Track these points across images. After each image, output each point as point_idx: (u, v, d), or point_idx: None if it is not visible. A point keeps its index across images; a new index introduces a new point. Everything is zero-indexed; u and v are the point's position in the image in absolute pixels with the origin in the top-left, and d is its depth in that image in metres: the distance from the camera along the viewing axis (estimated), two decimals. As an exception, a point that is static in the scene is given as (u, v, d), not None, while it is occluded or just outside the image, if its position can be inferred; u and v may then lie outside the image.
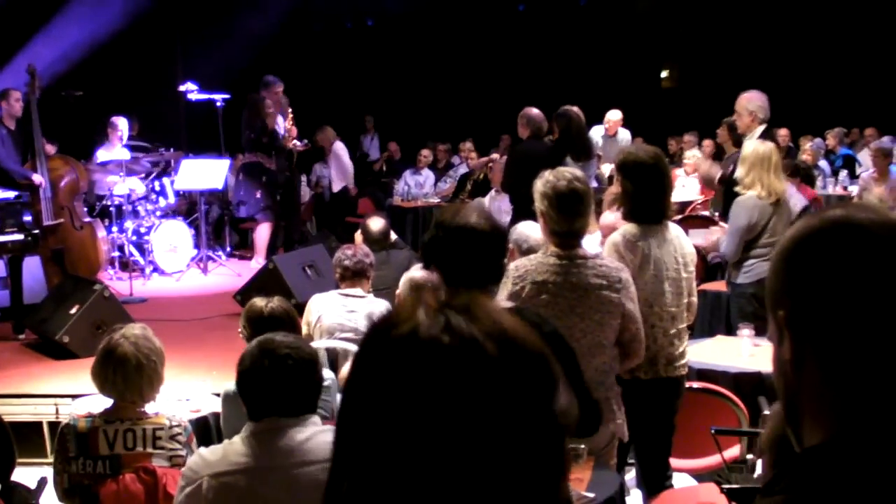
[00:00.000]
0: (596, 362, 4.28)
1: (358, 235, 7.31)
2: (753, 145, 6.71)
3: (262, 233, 11.91)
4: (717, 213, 8.87)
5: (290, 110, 12.01)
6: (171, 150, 12.69)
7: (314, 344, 4.94)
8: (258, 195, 11.81)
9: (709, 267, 8.47)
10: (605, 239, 5.34)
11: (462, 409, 1.05)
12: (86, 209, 10.84)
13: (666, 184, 4.91)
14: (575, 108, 9.85)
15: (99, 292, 8.10)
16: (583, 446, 4.04)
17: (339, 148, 13.92)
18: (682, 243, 4.91)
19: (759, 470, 5.04)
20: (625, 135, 12.27)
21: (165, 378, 4.11)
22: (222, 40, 15.96)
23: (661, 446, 4.89)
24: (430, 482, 1.05)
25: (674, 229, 4.95)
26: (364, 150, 17.88)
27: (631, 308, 4.32)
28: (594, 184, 9.56)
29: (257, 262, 11.35)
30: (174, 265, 11.57)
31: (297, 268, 9.24)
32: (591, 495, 3.80)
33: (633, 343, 4.39)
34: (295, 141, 11.98)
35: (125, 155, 11.80)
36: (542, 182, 4.30)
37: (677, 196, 10.75)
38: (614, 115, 12.25)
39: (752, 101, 7.92)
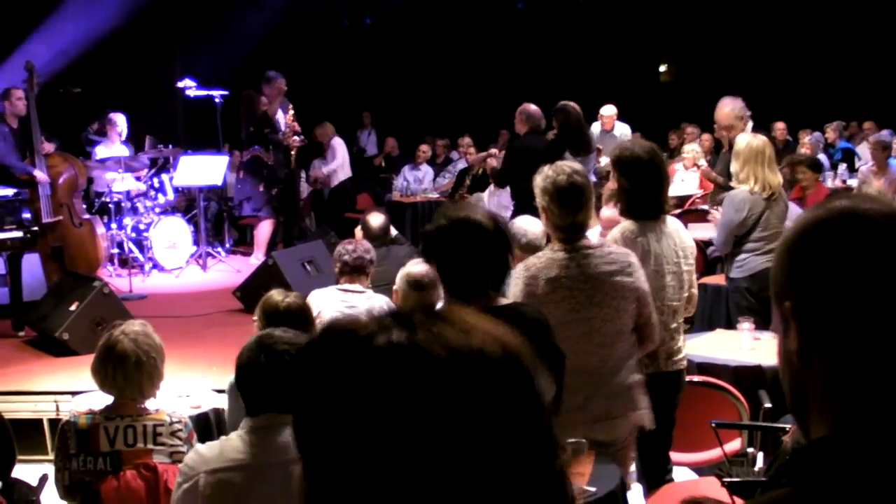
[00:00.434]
0: (618, 350, 4.29)
1: (358, 231, 7.30)
2: (747, 140, 6.71)
3: (264, 229, 11.90)
4: (716, 208, 8.86)
5: (290, 106, 12.00)
6: (170, 146, 12.69)
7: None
8: (261, 191, 11.80)
9: (709, 260, 8.47)
10: (605, 232, 5.34)
11: (425, 414, 1.02)
12: (84, 206, 10.83)
13: (662, 178, 4.90)
14: (572, 104, 9.84)
15: (98, 289, 8.09)
16: (584, 441, 4.04)
17: (339, 143, 13.91)
18: (681, 237, 4.91)
19: (759, 463, 5.04)
20: (623, 129, 12.24)
21: (165, 374, 4.10)
22: (220, 37, 15.96)
23: (662, 440, 4.88)
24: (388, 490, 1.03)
25: (672, 223, 4.95)
26: (361, 145, 17.87)
27: (645, 290, 4.34)
28: (593, 178, 9.55)
29: (257, 258, 11.36)
30: (173, 262, 11.56)
31: (297, 263, 9.24)
32: (592, 489, 3.79)
33: (647, 327, 4.40)
34: (295, 136, 11.97)
35: (124, 151, 11.80)
36: (542, 177, 4.30)
37: (676, 190, 10.75)
38: (608, 111, 12.21)
39: (734, 109, 8.01)
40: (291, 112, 11.97)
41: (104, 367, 3.95)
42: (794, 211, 6.92)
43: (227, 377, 4.55)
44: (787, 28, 18.57)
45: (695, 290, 5.03)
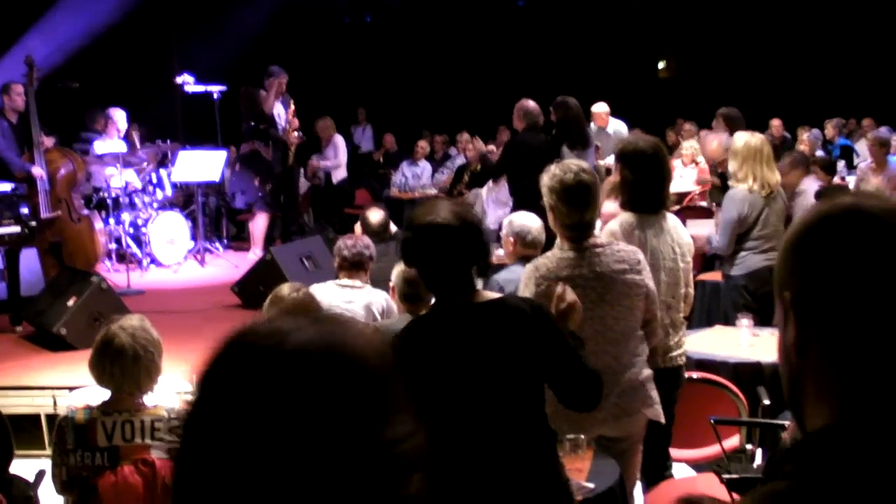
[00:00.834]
0: (630, 347, 4.31)
1: (358, 227, 7.29)
2: (744, 138, 6.70)
3: (259, 224, 11.90)
4: (714, 205, 8.86)
5: (292, 102, 12.00)
6: (168, 141, 12.67)
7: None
8: (256, 185, 11.80)
9: (707, 257, 8.47)
10: (605, 226, 5.34)
11: (283, 416, 1.00)
12: (82, 201, 10.81)
13: (665, 174, 4.92)
14: (572, 98, 9.84)
15: (96, 284, 8.08)
16: (582, 436, 4.04)
17: (341, 141, 13.90)
18: (679, 233, 4.91)
19: (758, 460, 5.05)
20: (618, 125, 12.16)
21: (163, 370, 4.09)
22: (218, 32, 15.94)
23: (661, 436, 4.88)
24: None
25: (671, 219, 4.95)
26: (355, 141, 17.86)
27: (652, 287, 4.36)
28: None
29: (255, 254, 11.36)
30: (171, 257, 11.55)
31: (295, 259, 9.24)
32: (591, 485, 3.79)
33: (652, 323, 4.43)
34: (294, 133, 11.97)
35: (122, 147, 11.79)
36: (549, 176, 4.29)
37: (674, 187, 10.72)
38: (600, 108, 12.12)
39: (721, 142, 8.29)
40: (293, 108, 11.97)
41: (101, 362, 3.93)
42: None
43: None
44: (787, 25, 18.57)
45: (691, 289, 5.02)
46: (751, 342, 5.76)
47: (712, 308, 7.12)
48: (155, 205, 11.79)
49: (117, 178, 11.28)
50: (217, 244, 12.40)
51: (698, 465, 5.38)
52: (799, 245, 1.41)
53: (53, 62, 12.83)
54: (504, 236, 5.75)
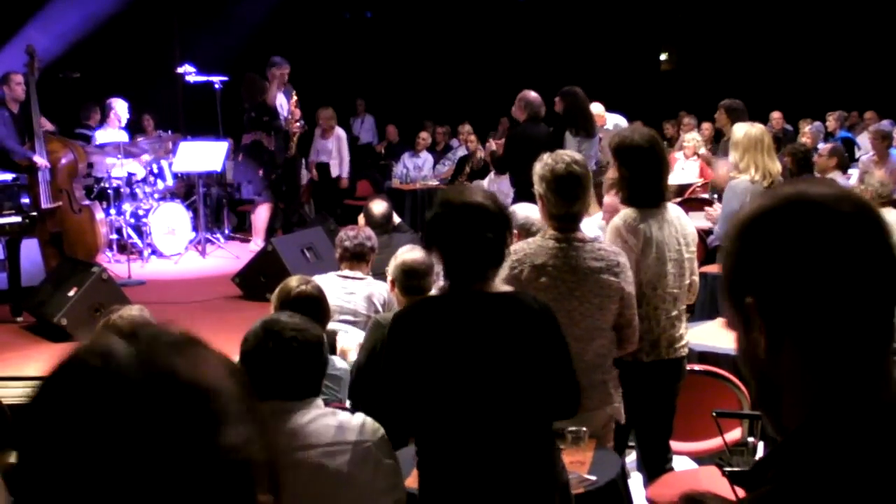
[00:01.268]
0: (595, 346, 4.28)
1: (361, 218, 7.27)
2: (745, 129, 6.69)
3: (261, 214, 11.89)
4: (716, 196, 8.84)
5: (294, 92, 11.98)
6: (170, 132, 12.65)
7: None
8: (259, 175, 11.79)
9: (709, 249, 8.46)
10: (608, 217, 5.32)
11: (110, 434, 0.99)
12: (83, 191, 10.81)
13: (663, 166, 4.88)
14: (579, 89, 9.83)
15: (97, 275, 8.08)
16: (584, 429, 4.04)
17: (342, 133, 13.88)
18: (682, 224, 4.89)
19: (760, 453, 5.03)
20: (617, 119, 12.05)
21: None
22: (220, 22, 15.91)
23: (662, 429, 4.88)
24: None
25: (674, 210, 4.93)
26: (354, 132, 17.83)
27: (629, 292, 4.32)
28: (594, 166, 9.54)
29: (256, 245, 11.35)
30: (172, 248, 11.54)
31: (296, 250, 9.23)
32: (593, 478, 3.79)
33: (627, 329, 4.39)
34: (297, 123, 11.96)
35: (123, 137, 11.77)
36: (541, 165, 4.29)
37: (676, 179, 10.71)
38: (596, 109, 11.97)
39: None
40: (295, 98, 11.95)
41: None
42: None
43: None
44: (789, 18, 18.54)
45: (696, 278, 5.01)
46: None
47: (715, 300, 7.10)
48: (156, 195, 11.78)
49: (118, 168, 11.27)
50: (218, 235, 12.39)
51: (700, 458, 5.38)
52: (750, 244, 1.37)
53: (55, 52, 12.81)
54: (507, 228, 5.73)
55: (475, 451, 3.26)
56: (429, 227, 3.42)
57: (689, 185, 11.36)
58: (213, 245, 12.01)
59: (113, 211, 11.26)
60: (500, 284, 3.45)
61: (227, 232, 12.80)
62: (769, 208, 1.36)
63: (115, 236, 11.33)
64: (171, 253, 11.51)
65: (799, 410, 1.33)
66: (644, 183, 4.78)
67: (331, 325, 5.59)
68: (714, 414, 4.44)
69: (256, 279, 9.09)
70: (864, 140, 14.18)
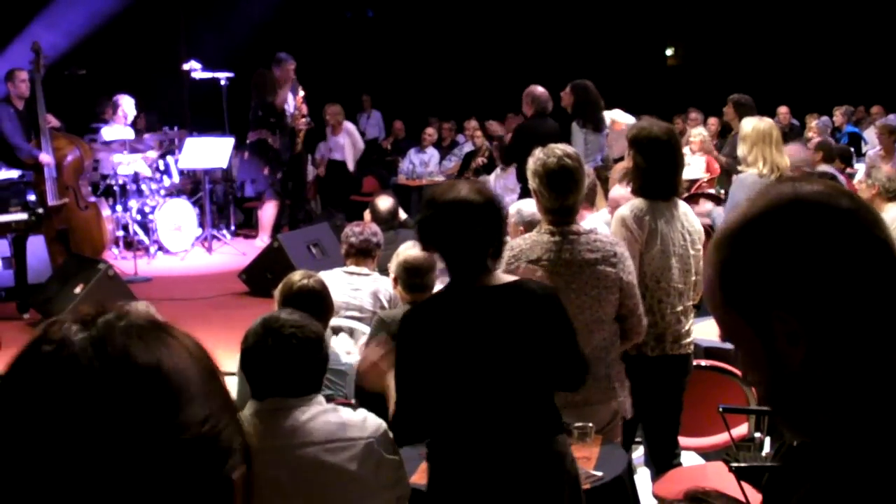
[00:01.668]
0: (596, 339, 4.25)
1: (367, 214, 7.26)
2: (753, 123, 6.68)
3: (268, 211, 11.89)
4: (723, 192, 8.83)
5: (301, 88, 11.97)
6: (176, 128, 12.66)
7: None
8: (265, 173, 11.79)
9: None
10: (613, 210, 5.31)
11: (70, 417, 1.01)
12: (90, 188, 10.82)
13: (678, 160, 4.88)
14: (590, 83, 9.81)
15: (103, 271, 8.09)
16: (591, 425, 4.03)
17: (352, 128, 13.86)
18: (690, 220, 4.88)
19: (766, 448, 5.03)
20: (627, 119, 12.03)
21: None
22: (226, 19, 15.91)
23: (669, 424, 4.87)
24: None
25: (682, 206, 4.92)
26: (361, 128, 17.81)
27: (629, 282, 4.29)
28: (599, 162, 9.52)
29: (262, 241, 11.36)
30: (179, 244, 11.55)
31: (302, 246, 9.23)
32: (599, 473, 3.79)
33: (630, 318, 4.36)
34: (303, 119, 11.95)
35: (130, 134, 11.78)
36: (534, 160, 4.30)
37: (683, 174, 10.68)
38: (620, 117, 11.91)
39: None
40: (301, 94, 11.94)
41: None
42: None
43: (231, 360, 4.52)
44: (795, 12, 18.50)
45: (701, 277, 4.99)
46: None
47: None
48: (162, 192, 11.79)
49: (125, 166, 11.27)
50: (224, 231, 12.40)
51: (707, 454, 5.36)
52: (762, 254, 1.33)
53: (60, 49, 12.82)
54: (513, 224, 5.71)
55: (488, 445, 3.26)
56: (419, 230, 3.42)
57: (695, 181, 11.34)
58: (219, 242, 12.02)
59: (119, 207, 11.27)
60: (503, 275, 3.45)
61: (233, 228, 12.81)
62: (766, 213, 1.34)
63: (121, 233, 11.35)
64: (177, 249, 11.51)
65: (825, 416, 1.32)
66: (658, 175, 4.76)
67: (336, 321, 5.60)
68: (721, 409, 4.43)
69: (262, 276, 9.08)
70: (870, 135, 14.13)
